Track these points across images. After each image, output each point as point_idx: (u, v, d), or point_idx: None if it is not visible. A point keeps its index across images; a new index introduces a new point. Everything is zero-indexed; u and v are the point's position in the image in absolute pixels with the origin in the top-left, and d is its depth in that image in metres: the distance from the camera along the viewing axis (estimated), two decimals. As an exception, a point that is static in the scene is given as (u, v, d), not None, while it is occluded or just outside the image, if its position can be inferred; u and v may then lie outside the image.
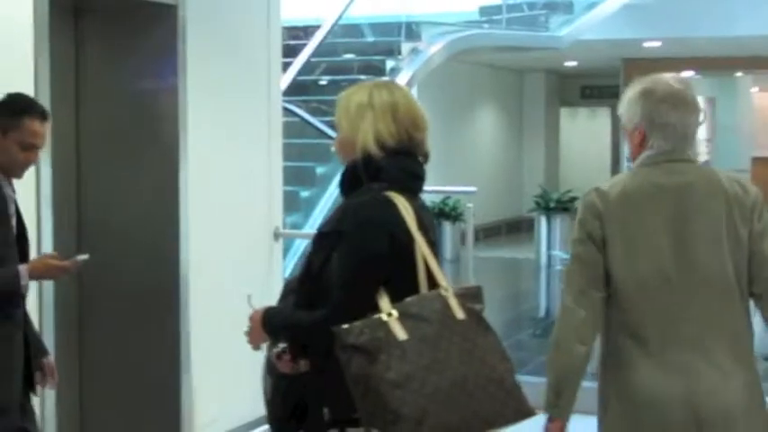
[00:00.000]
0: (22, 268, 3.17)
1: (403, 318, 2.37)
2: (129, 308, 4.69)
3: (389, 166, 2.53)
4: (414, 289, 2.47)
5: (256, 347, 2.67)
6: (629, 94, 2.75)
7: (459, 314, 2.43)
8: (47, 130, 3.27)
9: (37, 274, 3.23)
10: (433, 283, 2.50)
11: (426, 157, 2.64)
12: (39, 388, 3.46)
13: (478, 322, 2.46)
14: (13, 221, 3.30)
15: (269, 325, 2.60)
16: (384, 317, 2.37)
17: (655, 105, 2.68)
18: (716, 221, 2.63)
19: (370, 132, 2.54)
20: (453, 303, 2.44)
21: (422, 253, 2.49)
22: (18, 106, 3.23)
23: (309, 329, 2.51)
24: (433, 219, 2.71)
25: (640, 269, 2.61)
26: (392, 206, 2.49)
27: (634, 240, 2.63)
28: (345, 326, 2.35)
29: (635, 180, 2.70)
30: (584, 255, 2.65)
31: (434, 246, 2.57)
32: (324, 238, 2.55)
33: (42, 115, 3.25)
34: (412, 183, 2.58)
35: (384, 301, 2.41)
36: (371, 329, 2.35)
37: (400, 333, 2.35)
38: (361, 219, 2.49)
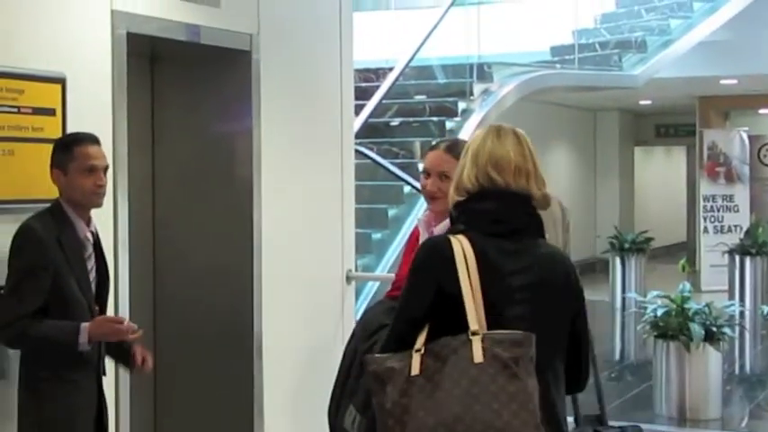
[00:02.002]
0: (83, 326, 3.18)
1: (426, 354, 2.46)
2: (202, 350, 4.71)
3: (462, 209, 2.61)
4: (465, 328, 2.47)
5: None
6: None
7: (478, 358, 2.42)
8: (101, 151, 3.35)
9: (96, 335, 3.23)
10: (496, 323, 2.47)
11: (530, 198, 2.58)
12: None
13: (502, 369, 2.40)
14: (91, 264, 3.33)
15: None
16: (414, 351, 2.46)
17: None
18: None
19: (455, 178, 2.66)
20: (476, 347, 2.43)
21: (467, 293, 2.48)
22: (65, 141, 3.39)
23: None
24: (533, 262, 2.58)
25: None
26: (443, 248, 2.52)
27: None
28: (377, 354, 2.50)
29: None
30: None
31: (523, 289, 2.53)
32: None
33: (91, 139, 3.34)
34: (487, 225, 2.56)
35: (420, 337, 2.49)
36: (392, 361, 2.46)
37: (415, 368, 2.44)
38: (413, 262, 2.60)
